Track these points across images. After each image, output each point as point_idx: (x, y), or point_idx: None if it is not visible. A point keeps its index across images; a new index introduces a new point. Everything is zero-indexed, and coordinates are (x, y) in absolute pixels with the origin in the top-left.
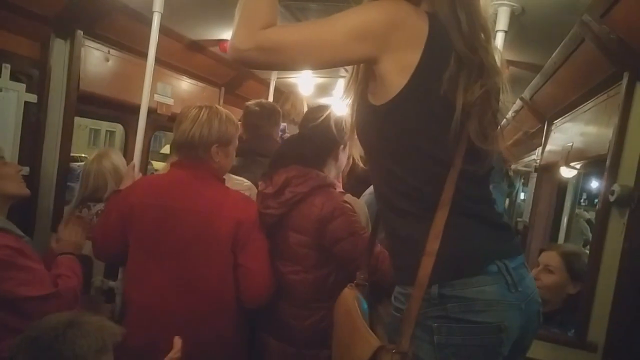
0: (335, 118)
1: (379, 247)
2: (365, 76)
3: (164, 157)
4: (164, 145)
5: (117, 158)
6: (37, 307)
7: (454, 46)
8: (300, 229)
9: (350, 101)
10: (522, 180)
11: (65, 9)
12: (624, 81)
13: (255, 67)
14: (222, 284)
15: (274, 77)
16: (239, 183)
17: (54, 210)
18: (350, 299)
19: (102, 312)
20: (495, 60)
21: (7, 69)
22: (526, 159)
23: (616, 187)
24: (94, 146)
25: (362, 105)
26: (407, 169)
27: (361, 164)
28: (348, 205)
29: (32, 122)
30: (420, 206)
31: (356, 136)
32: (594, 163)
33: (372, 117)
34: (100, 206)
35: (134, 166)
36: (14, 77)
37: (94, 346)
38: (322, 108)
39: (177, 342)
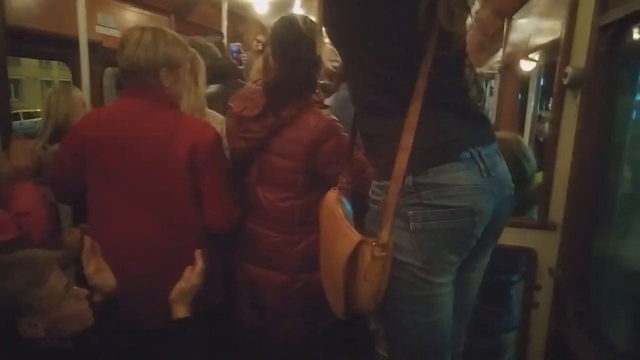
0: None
1: (358, 154)
2: None
3: None
4: None
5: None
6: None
7: None
8: (288, 154)
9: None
10: (489, 85)
11: None
12: None
13: None
14: (186, 210)
15: (225, 0)
16: (214, 116)
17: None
18: (334, 201)
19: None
20: None
21: None
22: (491, 63)
23: (569, 69)
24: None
25: (330, 2)
26: (380, 61)
27: (331, 67)
28: (339, 124)
29: None
30: (395, 100)
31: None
32: (552, 54)
33: (340, 14)
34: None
35: (84, 103)
36: None
37: (26, 279)
38: (288, 21)
39: (198, 255)
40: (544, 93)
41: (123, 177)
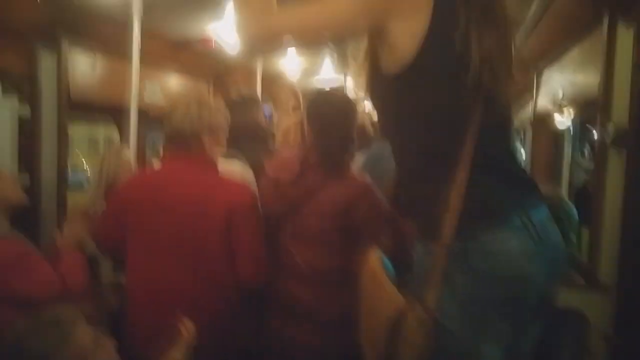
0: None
1: (400, 218)
2: (372, 48)
3: None
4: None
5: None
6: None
7: (459, 3)
8: (323, 215)
9: (359, 75)
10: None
11: (50, 22)
12: (605, 22)
13: (264, 52)
14: (220, 267)
15: (260, 65)
16: (232, 165)
17: (57, 215)
18: (375, 260)
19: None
20: (497, 5)
21: None
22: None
23: (610, 127)
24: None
25: (375, 76)
26: (427, 128)
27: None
28: (373, 185)
29: (28, 133)
30: (443, 165)
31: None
32: (588, 109)
33: (388, 86)
34: None
35: (129, 162)
36: (6, 91)
37: (52, 339)
38: (327, 96)
39: (188, 325)
40: (580, 139)
41: (161, 235)
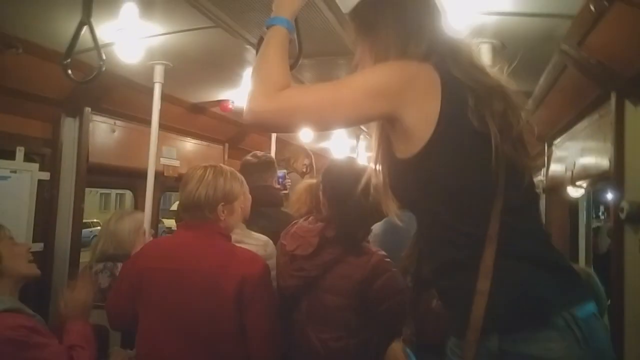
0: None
1: (425, 304)
2: (385, 134)
3: (173, 214)
4: (173, 203)
5: (133, 221)
6: None
7: (465, 85)
8: (339, 291)
9: (376, 161)
10: None
11: (74, 91)
12: (612, 101)
13: (274, 130)
14: (232, 344)
15: None
16: (257, 238)
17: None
18: (399, 353)
19: None
20: (499, 82)
21: (21, 151)
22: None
23: (624, 205)
24: (105, 210)
25: (391, 162)
26: (450, 213)
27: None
28: (389, 261)
29: (46, 199)
30: (469, 250)
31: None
32: (601, 179)
33: (405, 171)
34: (99, 266)
35: (144, 232)
36: (27, 157)
37: None
38: (349, 166)
39: None
40: (594, 204)
41: (174, 307)
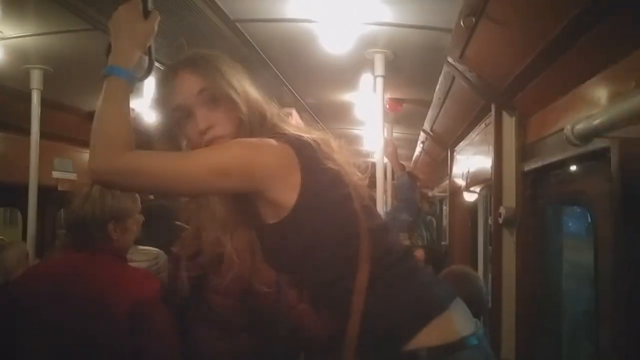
0: None
1: (302, 304)
2: (246, 204)
3: None
4: None
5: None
6: None
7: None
8: (224, 290)
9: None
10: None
11: None
12: (493, 111)
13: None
14: None
15: None
16: (146, 252)
17: None
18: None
19: None
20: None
21: None
22: (443, 185)
23: (502, 210)
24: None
25: (259, 228)
26: (320, 272)
27: None
28: None
29: None
30: (342, 293)
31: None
32: (486, 186)
33: (272, 235)
34: None
35: (27, 254)
36: None
37: None
38: None
39: None
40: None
41: (60, 332)
